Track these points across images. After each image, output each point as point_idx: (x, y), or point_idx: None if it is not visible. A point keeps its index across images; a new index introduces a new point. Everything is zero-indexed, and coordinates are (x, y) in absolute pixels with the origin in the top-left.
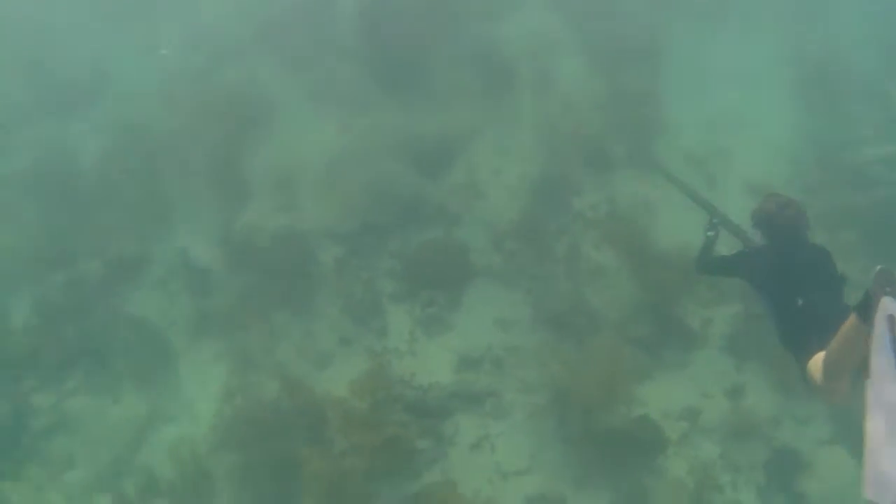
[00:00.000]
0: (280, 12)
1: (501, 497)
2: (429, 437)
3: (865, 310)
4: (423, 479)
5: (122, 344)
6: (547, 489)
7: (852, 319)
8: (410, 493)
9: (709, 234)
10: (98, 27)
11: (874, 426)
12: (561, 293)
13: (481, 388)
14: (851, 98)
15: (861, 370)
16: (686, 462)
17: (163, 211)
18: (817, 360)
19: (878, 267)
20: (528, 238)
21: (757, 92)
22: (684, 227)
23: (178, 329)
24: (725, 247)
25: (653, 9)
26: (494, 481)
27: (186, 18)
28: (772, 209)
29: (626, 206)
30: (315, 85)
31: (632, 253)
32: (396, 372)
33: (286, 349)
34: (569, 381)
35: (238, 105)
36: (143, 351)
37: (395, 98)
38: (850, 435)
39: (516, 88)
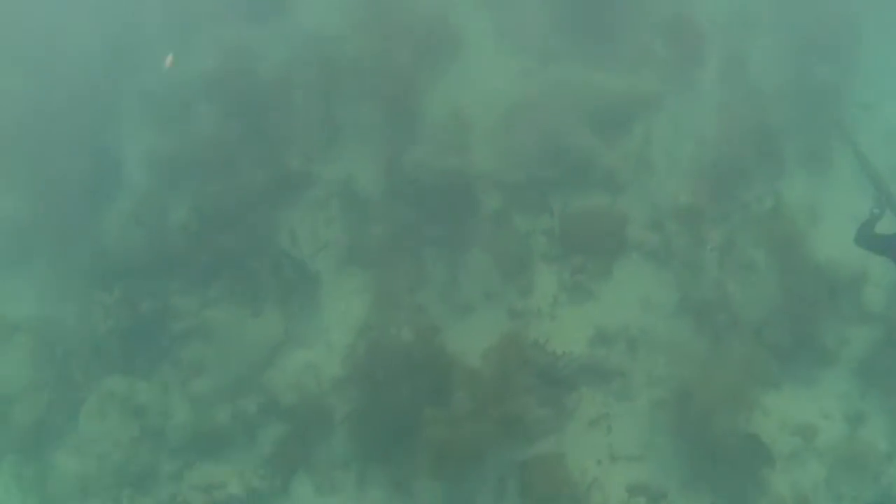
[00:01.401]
0: None
1: (606, 480)
2: (550, 406)
3: None
4: (535, 447)
5: (271, 260)
6: (652, 481)
7: None
8: (519, 460)
9: (874, 210)
10: None
11: None
12: (708, 284)
13: (612, 366)
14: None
15: None
16: (791, 480)
17: (334, 132)
18: None
19: None
20: (688, 221)
21: None
22: (844, 240)
23: (327, 254)
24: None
25: None
26: (604, 463)
27: None
28: None
29: (791, 206)
30: (507, 23)
31: (786, 255)
32: (532, 334)
33: (430, 293)
34: (697, 378)
35: (427, 32)
36: (290, 270)
37: (583, 51)
38: None
39: (705, 64)
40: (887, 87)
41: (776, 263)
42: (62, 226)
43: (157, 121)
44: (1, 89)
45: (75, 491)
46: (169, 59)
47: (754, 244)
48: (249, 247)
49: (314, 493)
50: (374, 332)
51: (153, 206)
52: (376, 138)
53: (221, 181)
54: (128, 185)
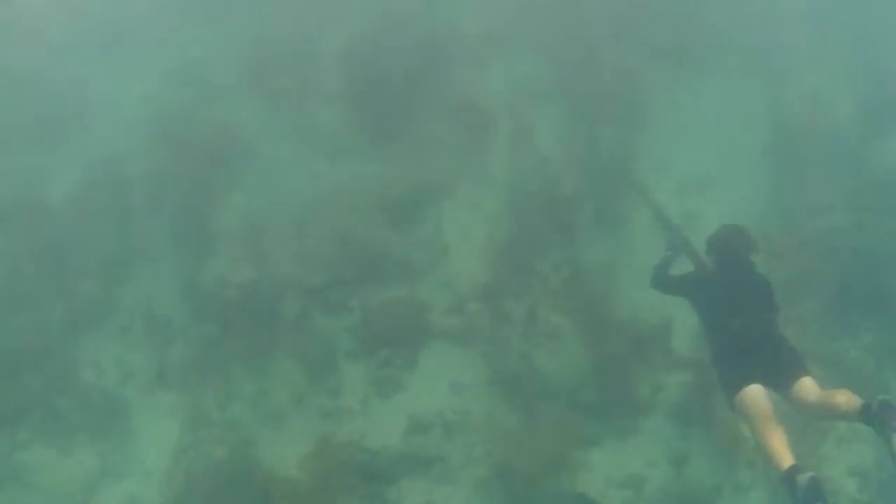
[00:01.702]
0: (265, 50)
1: None
2: (373, 502)
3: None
4: None
5: (79, 393)
6: None
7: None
8: None
9: (668, 253)
10: (82, 55)
11: None
12: (516, 358)
13: (430, 452)
14: (824, 161)
15: None
16: None
17: (131, 255)
18: (752, 397)
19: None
20: (488, 299)
21: (728, 152)
22: (645, 294)
23: (135, 380)
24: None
25: (642, 61)
26: None
27: (173, 52)
28: (724, 235)
29: (589, 270)
30: (293, 128)
31: (588, 318)
32: (347, 434)
33: (240, 406)
34: (515, 450)
35: (216, 146)
36: (99, 401)
37: (371, 145)
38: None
39: (494, 142)
40: (675, 146)
41: (581, 327)
42: None
43: None
44: None
45: None
46: None
47: (557, 313)
48: (54, 383)
49: None
50: (188, 453)
51: None
52: (174, 256)
53: (18, 318)
54: None
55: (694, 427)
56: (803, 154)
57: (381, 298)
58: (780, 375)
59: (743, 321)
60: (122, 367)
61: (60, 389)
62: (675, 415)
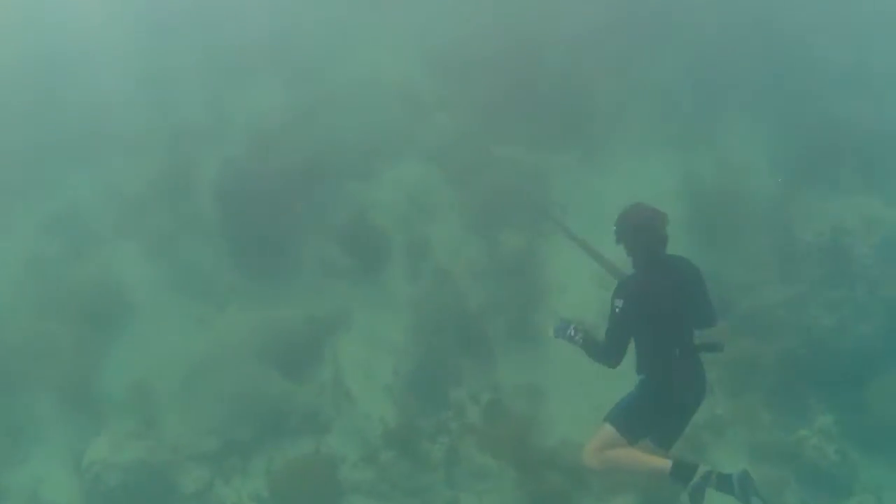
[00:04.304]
0: (139, 192)
1: None
2: None
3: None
4: None
5: None
6: None
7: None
8: None
9: (576, 338)
10: None
11: None
12: None
13: None
14: (750, 233)
15: None
16: None
17: (14, 434)
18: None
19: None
20: (402, 444)
21: None
22: (572, 412)
23: None
24: None
25: (539, 152)
26: None
27: (41, 204)
28: (630, 213)
29: (510, 393)
30: (173, 277)
31: (517, 449)
32: None
33: None
34: None
35: (94, 303)
36: None
37: (258, 283)
38: None
39: (388, 261)
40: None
41: (510, 460)
42: None
43: None
44: None
45: None
46: None
47: (481, 449)
48: None
49: None
50: None
51: None
52: (60, 433)
53: None
54: None
55: None
56: (725, 226)
57: (285, 459)
58: (671, 440)
59: (683, 349)
60: None
61: None
62: None
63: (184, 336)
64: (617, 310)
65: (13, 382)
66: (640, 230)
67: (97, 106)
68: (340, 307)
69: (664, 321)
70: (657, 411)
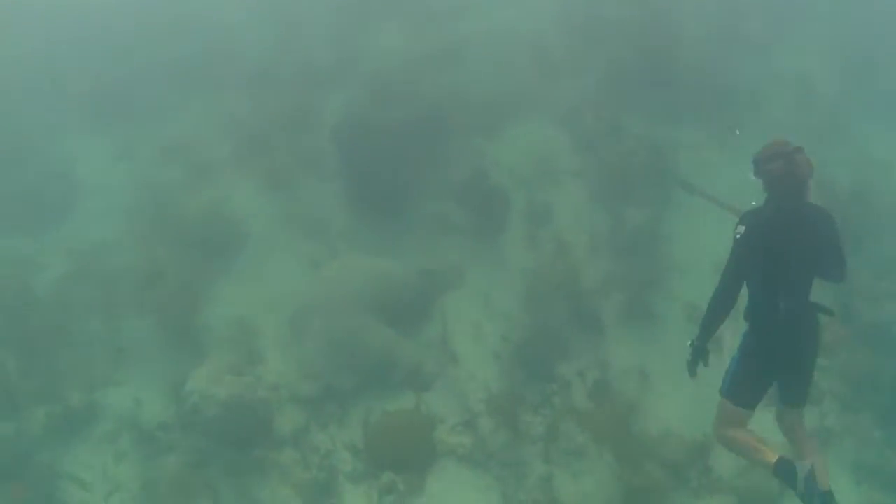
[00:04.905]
0: (260, 127)
1: None
2: None
3: None
4: None
5: None
6: None
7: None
8: None
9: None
10: (70, 131)
11: None
12: (534, 482)
13: None
14: (886, 238)
15: None
16: None
17: (118, 355)
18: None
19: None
20: (503, 413)
21: None
22: (679, 403)
23: (120, 495)
24: None
25: (668, 126)
26: None
27: (163, 129)
28: (771, 144)
29: (618, 375)
30: (288, 214)
31: (617, 433)
32: None
33: None
34: None
35: (207, 232)
36: None
37: (372, 231)
38: None
39: (506, 224)
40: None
41: (609, 444)
42: None
43: None
44: None
45: None
46: None
47: (579, 427)
48: (36, 498)
49: None
50: None
51: None
52: (161, 359)
53: None
54: None
55: None
56: (858, 227)
57: (384, 412)
58: (790, 398)
59: (789, 303)
60: (106, 479)
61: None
62: None
63: (294, 276)
64: (738, 236)
65: (121, 304)
66: (776, 160)
67: (224, 38)
68: (454, 265)
69: (780, 261)
70: (760, 368)
